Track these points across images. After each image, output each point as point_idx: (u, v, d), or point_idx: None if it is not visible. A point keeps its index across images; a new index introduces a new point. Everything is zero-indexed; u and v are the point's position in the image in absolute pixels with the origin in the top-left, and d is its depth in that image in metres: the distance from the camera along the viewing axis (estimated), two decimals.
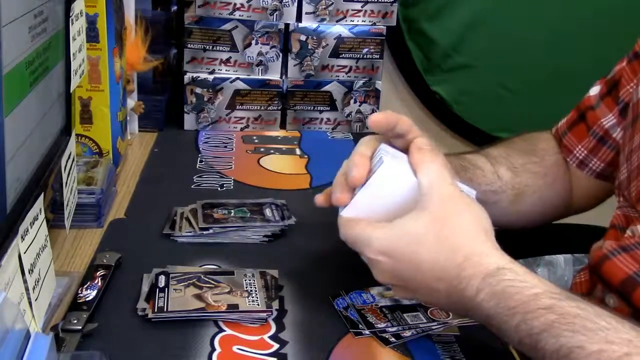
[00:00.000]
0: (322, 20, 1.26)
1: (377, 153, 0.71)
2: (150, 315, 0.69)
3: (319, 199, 0.77)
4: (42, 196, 0.62)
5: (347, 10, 1.27)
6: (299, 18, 1.26)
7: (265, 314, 0.71)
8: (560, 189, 0.92)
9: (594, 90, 0.90)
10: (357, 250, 0.68)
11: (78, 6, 0.78)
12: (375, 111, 1.33)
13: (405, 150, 0.71)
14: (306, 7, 1.25)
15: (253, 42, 1.25)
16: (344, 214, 0.69)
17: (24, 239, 0.57)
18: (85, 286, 0.73)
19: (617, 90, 0.85)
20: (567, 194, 0.92)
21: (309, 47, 1.27)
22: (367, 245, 0.66)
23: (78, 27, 0.78)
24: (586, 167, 0.89)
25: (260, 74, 1.27)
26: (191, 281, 0.75)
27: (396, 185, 0.67)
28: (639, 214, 0.75)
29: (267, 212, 0.92)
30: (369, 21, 1.28)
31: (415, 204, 0.65)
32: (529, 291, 0.59)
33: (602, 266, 0.73)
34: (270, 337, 0.69)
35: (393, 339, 0.69)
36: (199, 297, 0.72)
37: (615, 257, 0.72)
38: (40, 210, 0.62)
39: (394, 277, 0.66)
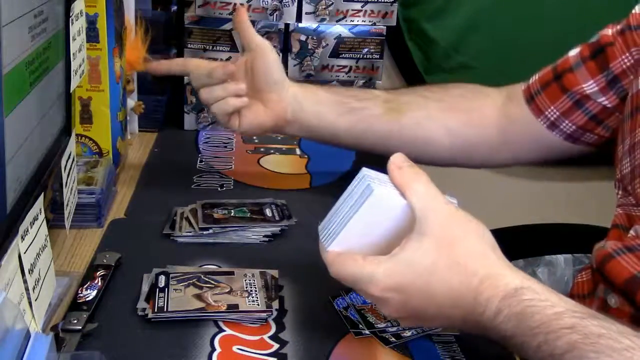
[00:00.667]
0: (322, 20, 1.26)
1: (359, 178, 0.65)
2: (150, 315, 0.69)
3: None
4: (42, 196, 0.62)
5: (347, 10, 1.27)
6: (299, 18, 1.26)
7: (265, 314, 0.71)
8: (464, 119, 0.94)
9: (573, 52, 0.89)
10: (355, 289, 0.64)
11: (78, 6, 0.78)
12: None
13: None
14: (306, 7, 1.25)
15: None
16: (332, 248, 0.64)
17: (24, 239, 0.57)
18: (85, 286, 0.73)
19: (605, 57, 0.85)
20: (473, 127, 0.94)
21: (309, 47, 1.27)
22: (372, 284, 0.61)
23: (78, 27, 0.78)
24: (556, 128, 0.89)
25: None
26: (191, 281, 0.75)
27: (388, 212, 0.63)
28: None
29: (267, 212, 0.92)
30: (369, 21, 1.28)
31: (409, 229, 0.62)
32: (550, 310, 0.57)
33: (606, 265, 0.73)
34: (270, 337, 0.69)
35: (393, 339, 0.69)
36: (199, 297, 0.72)
37: (620, 256, 0.72)
38: (40, 210, 0.62)
39: (404, 311, 0.63)
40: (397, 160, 0.65)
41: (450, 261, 0.60)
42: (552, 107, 0.89)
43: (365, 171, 0.65)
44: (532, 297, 0.58)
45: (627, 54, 0.82)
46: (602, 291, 0.76)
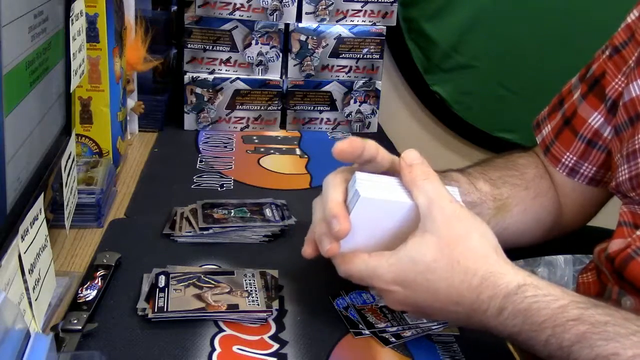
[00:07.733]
0: (322, 20, 1.26)
1: (352, 183, 0.67)
2: (150, 315, 0.69)
3: (308, 251, 0.71)
4: (42, 196, 0.62)
5: (347, 10, 1.27)
6: (299, 18, 1.26)
7: (265, 314, 0.71)
8: (546, 203, 0.89)
9: (576, 94, 0.88)
10: (365, 285, 0.67)
11: (78, 6, 0.78)
12: (376, 111, 1.33)
13: (388, 172, 0.68)
14: (306, 7, 1.25)
15: (253, 42, 1.25)
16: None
17: (24, 239, 0.57)
18: (85, 286, 0.73)
19: (602, 86, 0.84)
20: (554, 209, 0.89)
21: (309, 47, 1.27)
22: (377, 277, 0.64)
23: (78, 27, 0.78)
24: (577, 173, 0.87)
25: (260, 74, 1.27)
26: (191, 281, 0.75)
27: (384, 212, 0.65)
28: None
29: (267, 212, 0.92)
30: (369, 21, 1.28)
31: (416, 226, 0.64)
32: (555, 304, 0.58)
33: (627, 266, 0.72)
34: (270, 337, 0.69)
35: (393, 339, 0.69)
36: (199, 297, 0.72)
37: (639, 255, 0.71)
38: (40, 210, 0.62)
39: (409, 305, 0.65)
40: (408, 158, 0.66)
41: (451, 260, 0.61)
42: (567, 153, 0.87)
43: (357, 175, 0.67)
44: (535, 293, 0.59)
45: (620, 76, 0.81)
46: (616, 293, 0.75)
